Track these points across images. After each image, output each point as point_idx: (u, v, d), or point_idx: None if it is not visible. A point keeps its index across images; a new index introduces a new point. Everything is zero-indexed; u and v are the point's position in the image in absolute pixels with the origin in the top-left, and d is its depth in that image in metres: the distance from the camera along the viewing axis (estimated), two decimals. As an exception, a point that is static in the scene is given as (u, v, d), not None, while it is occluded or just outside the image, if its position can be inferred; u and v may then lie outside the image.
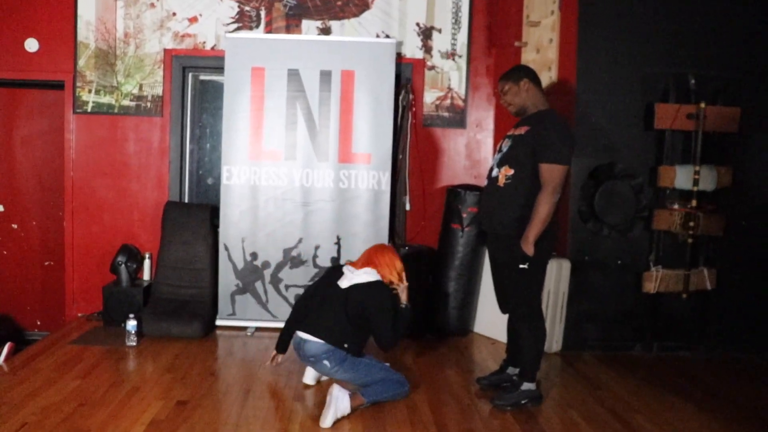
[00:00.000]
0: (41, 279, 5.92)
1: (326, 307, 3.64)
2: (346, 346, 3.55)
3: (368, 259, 3.75)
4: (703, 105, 4.42)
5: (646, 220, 4.63)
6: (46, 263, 5.90)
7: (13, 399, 3.46)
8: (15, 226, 5.86)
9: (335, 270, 3.82)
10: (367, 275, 3.64)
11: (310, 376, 3.89)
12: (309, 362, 3.66)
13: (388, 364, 3.80)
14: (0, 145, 5.80)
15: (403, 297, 3.73)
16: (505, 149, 3.59)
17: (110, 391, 3.63)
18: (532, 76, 3.64)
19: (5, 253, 5.87)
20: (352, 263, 3.80)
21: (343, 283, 3.65)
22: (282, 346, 3.90)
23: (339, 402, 3.33)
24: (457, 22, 5.49)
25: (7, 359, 4.43)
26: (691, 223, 4.46)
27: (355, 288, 3.60)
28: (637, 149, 4.61)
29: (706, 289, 4.64)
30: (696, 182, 4.44)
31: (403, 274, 3.75)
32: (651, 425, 3.41)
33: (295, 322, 3.76)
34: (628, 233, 4.64)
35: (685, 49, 4.59)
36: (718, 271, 4.68)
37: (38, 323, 5.96)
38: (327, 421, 3.24)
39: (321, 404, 3.49)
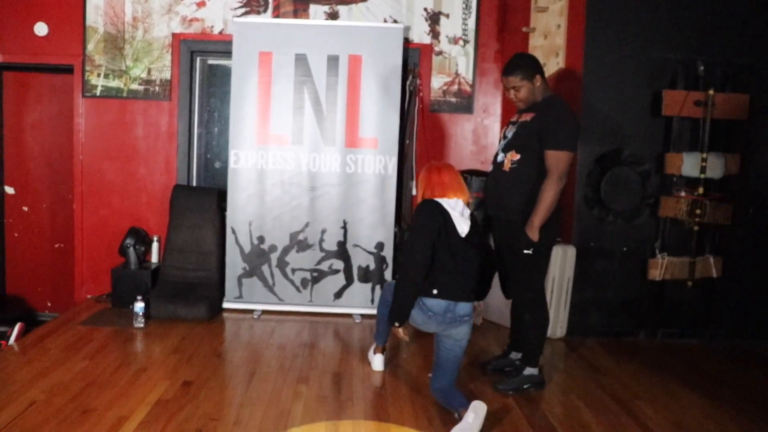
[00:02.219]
0: (51, 261, 5.98)
1: (461, 266, 3.21)
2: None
3: (458, 187, 3.31)
4: (711, 92, 4.39)
5: (652, 207, 4.62)
6: (57, 245, 5.96)
7: (23, 378, 3.52)
8: (26, 208, 5.92)
9: (438, 213, 3.22)
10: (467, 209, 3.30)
11: (378, 362, 3.87)
12: (457, 323, 3.22)
13: None
14: (10, 129, 5.84)
15: None
16: (510, 135, 3.59)
17: (118, 372, 3.68)
18: (540, 69, 3.59)
19: (16, 235, 5.94)
20: (442, 194, 3.28)
21: (462, 229, 3.21)
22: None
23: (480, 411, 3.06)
24: (467, 7, 5.46)
25: (17, 339, 4.50)
26: (698, 211, 4.45)
27: (475, 231, 3.27)
28: (644, 136, 4.59)
29: (711, 276, 4.64)
30: (703, 169, 4.42)
31: None
32: (653, 411, 3.43)
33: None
34: (634, 220, 4.63)
35: (693, 35, 4.56)
36: (724, 258, 4.67)
37: (48, 304, 6.03)
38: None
39: (324, 387, 3.54)
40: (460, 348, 3.29)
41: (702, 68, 4.50)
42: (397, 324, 3.25)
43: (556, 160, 3.37)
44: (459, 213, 3.24)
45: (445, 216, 3.19)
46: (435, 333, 3.32)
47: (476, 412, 3.01)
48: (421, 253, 3.13)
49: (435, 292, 3.17)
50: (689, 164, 4.45)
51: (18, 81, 5.81)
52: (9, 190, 5.87)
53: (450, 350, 3.29)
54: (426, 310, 3.20)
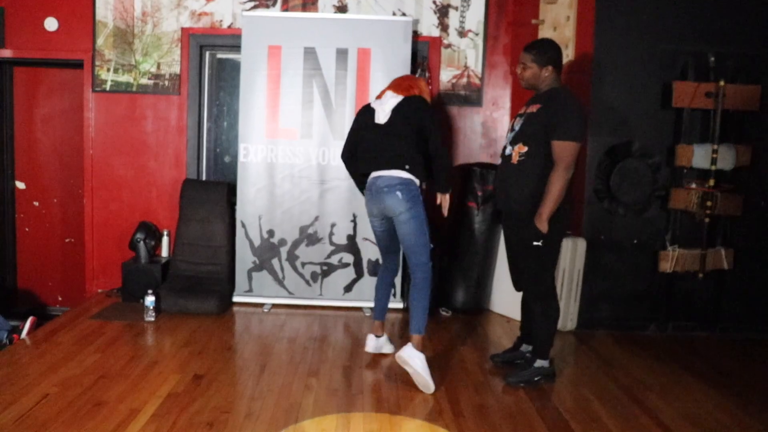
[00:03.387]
0: (62, 256, 6.02)
1: (385, 141, 3.74)
2: (407, 167, 3.63)
3: (408, 86, 3.86)
4: (722, 83, 4.36)
5: (662, 200, 4.60)
6: (67, 240, 5.99)
7: (36, 371, 3.54)
8: (36, 203, 5.95)
9: (361, 114, 3.95)
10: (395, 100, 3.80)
11: (371, 344, 4.00)
12: (382, 194, 3.65)
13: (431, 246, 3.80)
14: (21, 124, 5.86)
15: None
16: (517, 127, 3.58)
17: (129, 365, 3.70)
18: (557, 62, 3.57)
19: (27, 230, 5.97)
20: (381, 93, 3.90)
21: (379, 118, 3.76)
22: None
23: (413, 361, 3.45)
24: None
25: (29, 333, 4.52)
26: (709, 203, 4.42)
27: (407, 102, 3.75)
28: (654, 128, 4.57)
29: (722, 268, 4.62)
30: (714, 161, 4.39)
31: None
32: (664, 404, 3.42)
33: (359, 167, 3.91)
34: (644, 212, 4.62)
35: (704, 26, 4.53)
36: (735, 250, 4.65)
37: (59, 299, 6.06)
38: (429, 383, 3.41)
39: (335, 380, 3.55)
40: (404, 230, 3.64)
41: (712, 59, 4.47)
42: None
43: (563, 150, 3.36)
44: (381, 107, 3.78)
45: (368, 111, 3.86)
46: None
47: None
48: (345, 143, 3.98)
49: (360, 170, 3.86)
50: (700, 156, 4.42)
51: (28, 76, 5.83)
52: (20, 185, 5.90)
53: (399, 235, 3.69)
54: (365, 191, 3.82)
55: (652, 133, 4.57)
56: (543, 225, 3.39)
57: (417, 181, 3.65)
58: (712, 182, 4.42)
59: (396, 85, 3.87)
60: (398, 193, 3.58)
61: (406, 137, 3.67)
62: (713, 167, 4.40)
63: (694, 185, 4.51)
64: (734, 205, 4.53)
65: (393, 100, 3.76)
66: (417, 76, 4.10)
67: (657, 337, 4.61)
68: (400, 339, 4.35)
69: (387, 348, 4.06)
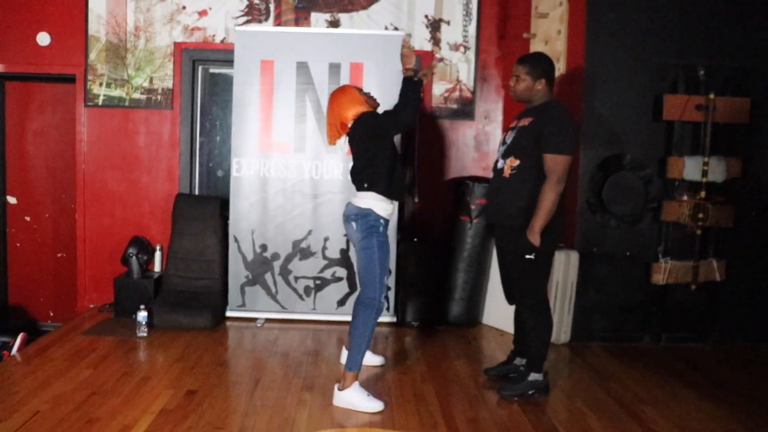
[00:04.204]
0: (54, 270, 5.98)
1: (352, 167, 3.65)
2: (366, 185, 3.53)
3: (342, 121, 3.64)
4: (712, 96, 4.40)
5: (654, 212, 4.62)
6: (59, 255, 5.96)
7: (26, 388, 3.52)
8: (28, 218, 5.92)
9: None
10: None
11: (344, 356, 3.94)
12: (344, 222, 3.65)
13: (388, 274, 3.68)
14: (13, 139, 5.85)
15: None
16: (509, 141, 3.59)
17: (121, 381, 3.67)
18: (550, 76, 3.59)
19: (18, 245, 5.94)
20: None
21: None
22: None
23: (348, 401, 3.42)
24: (467, 14, 5.48)
25: (20, 349, 4.49)
26: (701, 215, 4.45)
27: (354, 127, 3.60)
28: (645, 140, 4.60)
29: (715, 280, 4.63)
30: (705, 173, 4.42)
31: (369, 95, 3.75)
32: (659, 416, 3.42)
33: None
34: (636, 225, 4.63)
35: (693, 40, 4.57)
36: (727, 262, 4.67)
37: (51, 314, 6.02)
38: (373, 408, 3.38)
39: (329, 395, 3.53)
40: (357, 259, 3.59)
41: (702, 72, 4.51)
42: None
43: (555, 163, 3.37)
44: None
45: None
46: None
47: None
48: None
49: None
50: (691, 168, 4.45)
51: (20, 90, 5.82)
52: (11, 199, 5.88)
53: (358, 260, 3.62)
54: None
55: (644, 146, 4.59)
56: (535, 238, 3.40)
57: (377, 211, 3.50)
58: (703, 194, 4.45)
59: (329, 126, 3.71)
60: (353, 224, 3.55)
61: (362, 155, 3.58)
62: (704, 179, 4.43)
63: (685, 197, 4.54)
64: (726, 216, 4.55)
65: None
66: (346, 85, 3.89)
67: (650, 348, 4.62)
68: (393, 353, 4.35)
69: (374, 360, 4.08)
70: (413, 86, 3.50)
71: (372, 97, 3.73)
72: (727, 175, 4.50)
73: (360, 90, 3.70)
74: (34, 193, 5.92)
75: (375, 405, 3.38)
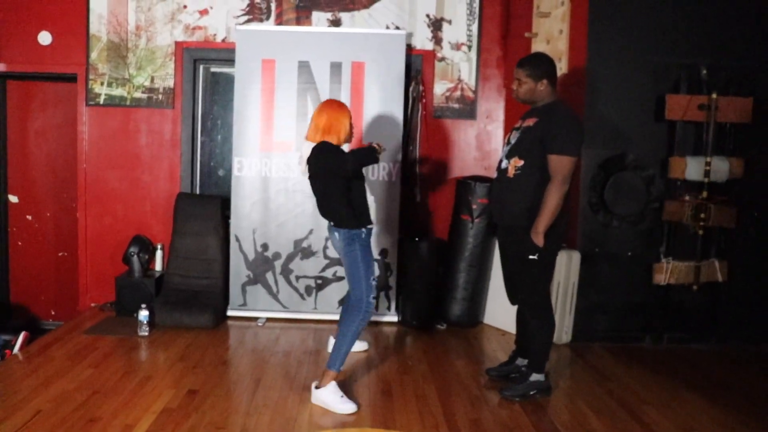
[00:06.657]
0: (55, 270, 5.98)
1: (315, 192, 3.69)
2: (332, 224, 3.63)
3: (327, 126, 3.56)
4: (714, 95, 4.39)
5: (656, 212, 4.61)
6: (60, 254, 5.96)
7: (28, 387, 3.52)
8: (30, 217, 5.92)
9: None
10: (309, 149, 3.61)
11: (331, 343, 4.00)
12: (328, 230, 3.74)
13: (375, 276, 3.77)
14: (14, 138, 5.85)
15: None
16: (513, 141, 3.59)
17: (122, 380, 3.67)
18: (552, 75, 3.57)
19: (20, 244, 5.94)
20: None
21: (305, 155, 3.64)
22: None
23: (322, 400, 3.42)
24: (469, 13, 5.47)
25: (22, 348, 4.49)
26: (703, 215, 4.44)
27: (315, 152, 3.54)
28: (648, 140, 4.59)
29: (717, 280, 4.62)
30: (707, 173, 4.41)
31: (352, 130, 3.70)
32: (661, 417, 3.41)
33: None
34: (638, 225, 4.62)
35: (696, 39, 4.56)
36: (729, 262, 4.66)
37: (52, 313, 6.02)
38: (346, 410, 3.36)
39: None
40: (345, 261, 3.63)
41: (705, 72, 4.50)
42: None
43: (559, 164, 3.37)
44: (304, 152, 3.63)
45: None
46: None
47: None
48: None
49: None
50: (693, 168, 4.44)
51: (22, 90, 5.82)
52: (13, 198, 5.87)
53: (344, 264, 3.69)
54: None
55: (646, 146, 4.59)
56: (539, 239, 3.39)
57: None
58: (705, 194, 4.44)
59: (314, 126, 3.60)
60: (336, 233, 3.61)
61: (317, 188, 3.62)
62: (706, 179, 4.42)
63: (687, 197, 4.53)
64: (728, 216, 4.54)
65: (307, 147, 3.61)
66: (339, 104, 3.70)
67: (652, 349, 4.61)
68: (394, 353, 4.35)
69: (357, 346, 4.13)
70: (373, 154, 3.52)
71: (353, 130, 3.70)
72: (730, 176, 4.49)
73: (350, 117, 3.65)
74: (35, 193, 5.92)
75: (348, 407, 3.37)
